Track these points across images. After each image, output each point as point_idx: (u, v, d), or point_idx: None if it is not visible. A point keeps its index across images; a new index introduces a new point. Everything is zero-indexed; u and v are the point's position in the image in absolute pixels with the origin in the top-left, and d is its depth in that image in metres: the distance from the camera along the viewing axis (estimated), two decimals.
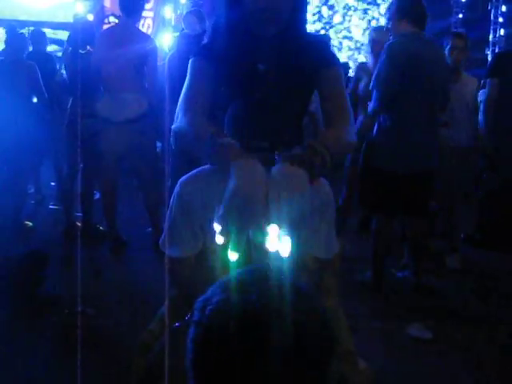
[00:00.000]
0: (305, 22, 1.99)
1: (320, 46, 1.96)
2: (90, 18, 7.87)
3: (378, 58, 3.90)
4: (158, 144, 5.03)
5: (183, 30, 5.33)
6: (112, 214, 4.83)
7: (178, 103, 1.86)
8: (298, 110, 1.98)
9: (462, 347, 3.29)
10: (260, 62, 1.88)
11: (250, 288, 0.90)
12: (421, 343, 3.33)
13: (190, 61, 1.93)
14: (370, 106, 3.86)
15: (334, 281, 2.09)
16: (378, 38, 4.39)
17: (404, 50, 3.72)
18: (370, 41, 4.59)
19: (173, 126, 1.82)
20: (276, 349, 0.86)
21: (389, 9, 4.00)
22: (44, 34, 6.50)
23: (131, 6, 4.66)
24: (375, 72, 3.81)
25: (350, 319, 2.22)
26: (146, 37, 4.86)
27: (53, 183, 6.45)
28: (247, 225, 1.53)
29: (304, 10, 1.96)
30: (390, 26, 3.96)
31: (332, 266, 2.02)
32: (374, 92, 3.80)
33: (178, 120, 1.80)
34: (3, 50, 5.55)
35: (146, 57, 4.53)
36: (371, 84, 3.83)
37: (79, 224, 5.04)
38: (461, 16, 13.80)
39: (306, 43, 1.91)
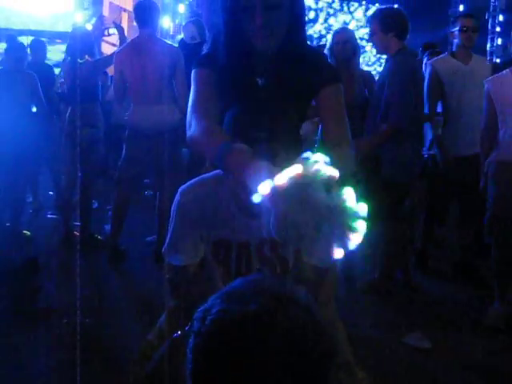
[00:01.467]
0: (304, 36, 1.99)
1: (321, 62, 1.97)
2: (89, 27, 7.89)
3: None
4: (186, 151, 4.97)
5: (183, 39, 5.36)
6: (120, 224, 4.81)
7: (188, 111, 1.86)
8: (295, 121, 1.98)
9: (461, 357, 3.28)
10: (258, 76, 1.89)
11: (250, 298, 0.90)
12: (419, 353, 3.32)
13: (193, 71, 1.95)
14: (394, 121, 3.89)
15: (332, 290, 2.10)
16: (340, 41, 4.35)
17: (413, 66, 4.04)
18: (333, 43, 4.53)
19: (187, 135, 1.82)
20: (275, 359, 0.87)
21: (370, 22, 4.06)
22: (44, 43, 6.52)
23: (145, 16, 4.65)
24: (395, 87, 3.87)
25: (347, 329, 2.22)
26: (171, 46, 4.82)
27: (51, 192, 6.45)
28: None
29: (302, 25, 1.96)
30: (374, 40, 4.07)
31: (330, 274, 2.02)
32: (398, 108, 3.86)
33: (192, 129, 1.80)
34: (3, 59, 5.57)
35: (175, 67, 4.52)
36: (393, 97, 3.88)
37: (77, 233, 5.04)
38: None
39: (306, 58, 1.92)
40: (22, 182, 5.31)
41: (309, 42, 2.30)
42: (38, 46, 6.30)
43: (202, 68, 1.93)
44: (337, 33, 4.56)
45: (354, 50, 4.34)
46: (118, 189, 4.86)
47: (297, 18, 1.89)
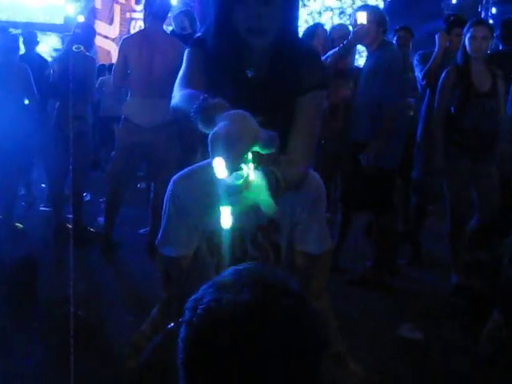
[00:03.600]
0: (296, 31, 1.99)
1: (312, 63, 1.94)
2: (81, 19, 7.85)
3: None
4: None
5: (173, 30, 5.33)
6: (113, 217, 4.81)
7: (175, 85, 1.87)
8: (283, 113, 1.96)
9: (454, 347, 3.30)
10: (248, 68, 1.89)
11: (242, 288, 0.91)
12: (411, 344, 3.34)
13: (186, 51, 1.96)
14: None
15: (325, 279, 2.11)
16: (338, 36, 4.47)
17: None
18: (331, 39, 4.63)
19: (170, 105, 1.82)
20: (266, 348, 0.87)
21: (368, 16, 4.12)
22: (35, 34, 6.48)
23: (161, 11, 4.64)
24: None
25: (339, 320, 2.23)
26: (177, 41, 4.82)
27: (43, 185, 6.43)
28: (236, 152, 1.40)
29: (295, 19, 1.96)
30: (372, 33, 4.11)
31: (323, 262, 2.03)
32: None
33: (175, 98, 1.81)
34: None
35: (179, 62, 4.48)
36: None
37: (69, 226, 5.03)
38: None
39: (298, 55, 1.90)
40: (14, 174, 5.29)
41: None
42: (30, 38, 6.26)
43: (194, 47, 1.94)
44: (334, 29, 4.69)
45: None
46: (110, 181, 4.86)
47: (290, 11, 1.89)
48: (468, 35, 4.01)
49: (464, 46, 4.06)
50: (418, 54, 5.13)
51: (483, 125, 3.99)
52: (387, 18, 4.22)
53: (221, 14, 1.85)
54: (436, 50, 4.81)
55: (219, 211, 1.67)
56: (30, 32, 6.46)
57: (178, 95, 1.80)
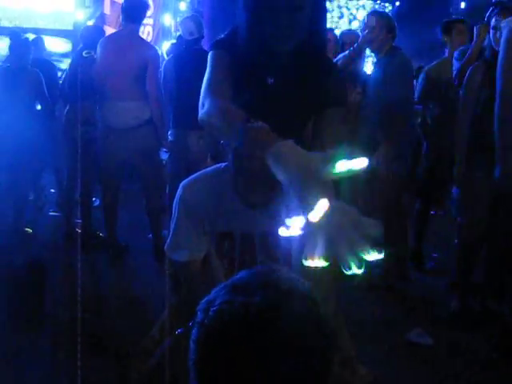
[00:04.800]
0: (323, 40, 1.98)
1: (333, 79, 1.93)
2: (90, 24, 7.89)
3: None
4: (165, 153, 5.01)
5: (180, 35, 5.36)
6: (112, 222, 4.82)
7: (202, 92, 1.80)
8: (299, 125, 1.96)
9: (463, 353, 3.29)
10: (269, 75, 1.87)
11: (254, 291, 0.91)
12: (421, 349, 3.33)
13: (210, 53, 1.91)
14: None
15: (333, 284, 2.10)
16: (348, 41, 4.53)
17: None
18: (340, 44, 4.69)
19: (200, 114, 1.74)
20: (278, 350, 0.88)
21: (376, 20, 4.12)
22: (42, 40, 6.50)
23: (135, 12, 4.67)
24: None
25: (348, 325, 2.23)
26: (147, 44, 4.87)
27: (52, 190, 6.45)
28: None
29: (322, 29, 1.94)
30: (381, 38, 4.12)
31: (332, 266, 2.02)
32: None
33: (205, 108, 1.72)
34: (7, 56, 5.55)
35: (147, 64, 4.53)
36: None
37: (79, 230, 5.05)
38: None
39: (320, 69, 1.89)
40: (24, 180, 5.32)
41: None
42: (37, 43, 6.28)
43: (218, 50, 1.90)
44: (343, 34, 4.75)
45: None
46: (102, 187, 4.92)
47: (317, 21, 1.87)
48: (491, 25, 3.51)
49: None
50: (458, 50, 4.86)
51: None
52: (396, 24, 4.23)
53: (251, 19, 1.82)
54: (472, 44, 4.02)
55: (228, 214, 1.68)
56: (37, 37, 6.48)
57: (207, 104, 1.73)
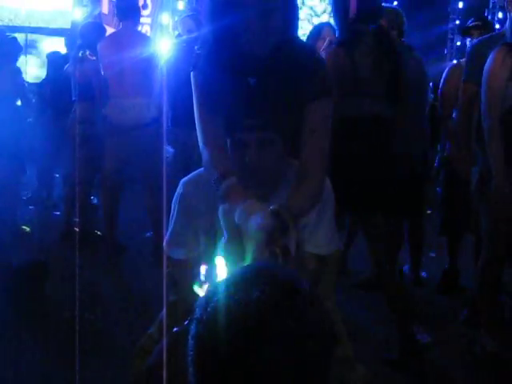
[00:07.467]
0: (296, 38, 2.01)
1: (316, 70, 1.94)
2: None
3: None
4: (170, 150, 4.98)
5: (180, 34, 5.34)
6: (111, 221, 4.81)
7: (198, 134, 1.93)
8: (287, 120, 1.96)
9: (462, 350, 3.28)
10: (250, 76, 1.89)
11: (252, 286, 0.91)
12: (420, 347, 3.32)
13: (192, 74, 1.97)
14: None
15: (333, 280, 2.11)
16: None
17: None
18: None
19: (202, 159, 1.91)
20: (276, 347, 0.87)
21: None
22: (61, 56, 6.37)
23: (127, 9, 4.69)
24: None
25: (346, 323, 2.23)
26: (147, 38, 4.84)
27: None
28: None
29: (295, 26, 1.96)
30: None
31: (331, 263, 2.03)
32: None
33: (203, 157, 1.90)
34: None
35: (153, 61, 4.55)
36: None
37: (77, 229, 5.03)
38: (458, 22, 13.85)
39: (301, 62, 1.91)
40: (10, 176, 5.26)
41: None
42: (54, 60, 6.25)
43: (198, 72, 1.95)
44: (322, 28, 4.65)
45: None
46: (104, 186, 4.90)
47: (290, 18, 1.89)
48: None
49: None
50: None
51: None
52: (404, 20, 4.08)
53: (220, 24, 1.85)
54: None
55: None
56: (55, 53, 6.44)
57: (204, 153, 1.89)
